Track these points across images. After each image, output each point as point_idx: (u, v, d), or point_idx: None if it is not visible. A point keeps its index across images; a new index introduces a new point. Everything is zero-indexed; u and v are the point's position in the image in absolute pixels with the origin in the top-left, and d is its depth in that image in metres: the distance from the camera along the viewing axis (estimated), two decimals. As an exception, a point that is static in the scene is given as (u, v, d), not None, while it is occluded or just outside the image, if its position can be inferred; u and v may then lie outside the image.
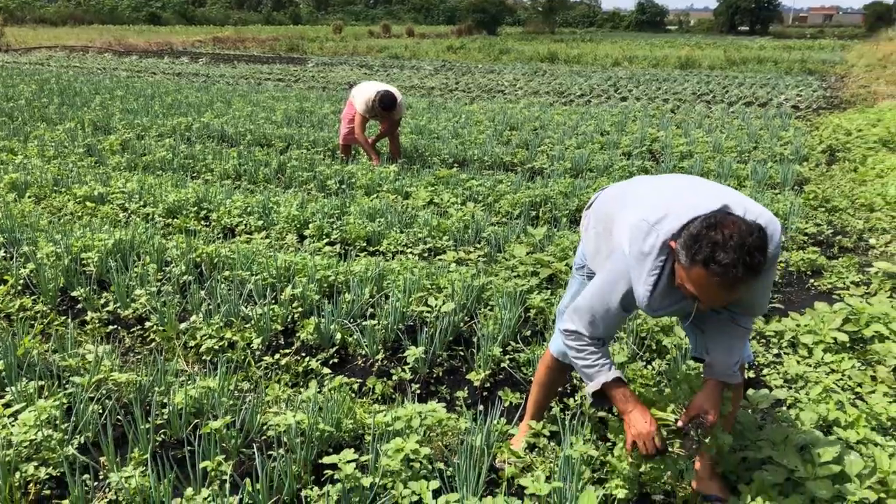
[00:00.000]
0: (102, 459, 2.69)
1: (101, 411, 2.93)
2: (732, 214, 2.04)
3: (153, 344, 3.84)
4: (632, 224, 2.20)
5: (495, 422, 2.86)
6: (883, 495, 2.34)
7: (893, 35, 30.03)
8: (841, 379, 3.27)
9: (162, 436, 2.88)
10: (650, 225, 2.15)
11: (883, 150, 8.34)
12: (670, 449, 2.38)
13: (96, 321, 3.99)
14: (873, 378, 3.36)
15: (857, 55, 27.23)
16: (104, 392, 3.08)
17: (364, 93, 7.49)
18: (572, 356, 2.44)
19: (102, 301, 4.15)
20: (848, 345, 3.61)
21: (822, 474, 2.36)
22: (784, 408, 3.03)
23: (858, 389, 3.23)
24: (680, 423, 2.35)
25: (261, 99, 12.89)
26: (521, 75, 20.14)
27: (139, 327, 3.96)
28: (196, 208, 5.81)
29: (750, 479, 2.50)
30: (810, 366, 3.42)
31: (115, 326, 3.99)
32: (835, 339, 3.57)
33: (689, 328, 2.57)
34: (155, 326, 3.89)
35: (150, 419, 2.80)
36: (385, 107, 7.34)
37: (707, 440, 2.32)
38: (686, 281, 2.05)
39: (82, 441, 2.78)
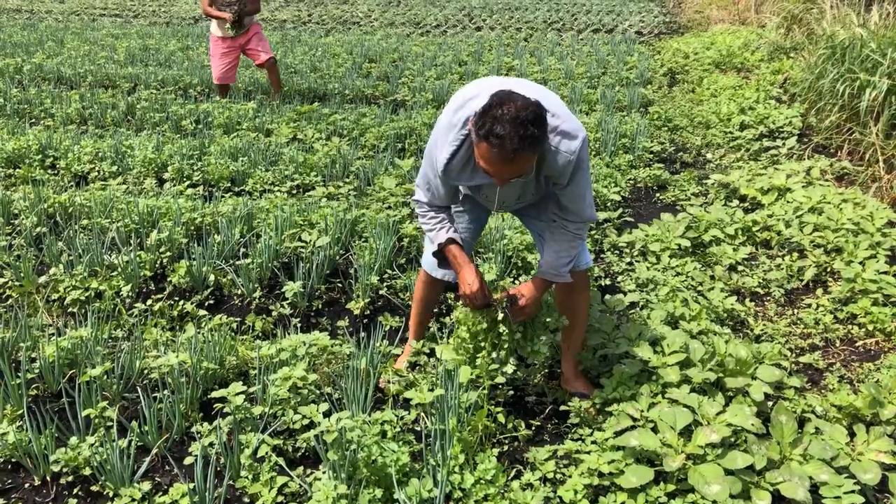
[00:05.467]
0: (-27, 420, 2.59)
1: (-37, 372, 2.79)
2: (516, 94, 2.16)
3: (10, 301, 3.64)
4: (453, 98, 2.41)
5: (377, 344, 2.98)
6: (721, 375, 2.68)
7: (724, -38, 31.72)
8: (685, 280, 3.64)
9: (35, 390, 2.80)
10: (465, 100, 2.34)
11: (716, 72, 8.97)
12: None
13: (-59, 282, 3.72)
14: (712, 277, 3.75)
15: (692, -19, 28.61)
16: (-36, 352, 2.92)
17: None
18: (419, 223, 2.68)
19: (-55, 260, 3.87)
20: (690, 249, 3.99)
21: (670, 362, 2.67)
22: (638, 309, 3.35)
23: (700, 288, 3.60)
24: (497, 296, 2.58)
25: (98, 37, 11.95)
26: (376, 6, 19.73)
27: (-8, 285, 3.73)
28: (40, 156, 5.43)
29: (610, 372, 2.77)
30: (659, 270, 3.76)
31: (-36, 286, 3.75)
32: (679, 245, 3.94)
33: (536, 240, 2.83)
34: (10, 282, 3.68)
35: (19, 375, 2.70)
36: None
37: (515, 319, 2.58)
38: (478, 156, 2.23)
39: (-52, 403, 2.65)
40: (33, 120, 6.84)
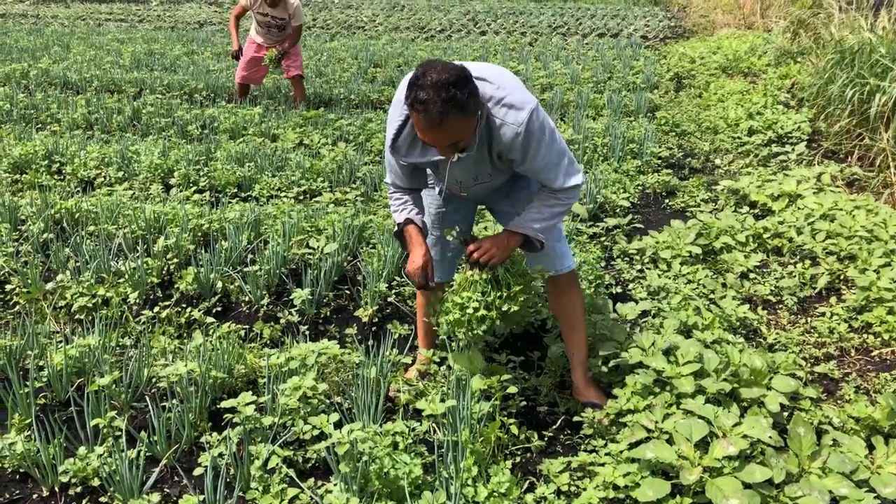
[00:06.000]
0: (-20, 429, 2.57)
1: (-30, 381, 2.77)
2: (440, 61, 2.19)
3: (17, 307, 3.62)
4: (404, 78, 2.39)
5: (387, 353, 2.95)
6: (736, 385, 2.64)
7: (728, -34, 31.72)
8: (696, 287, 3.60)
9: (43, 399, 2.78)
10: (413, 78, 2.32)
11: (723, 77, 8.94)
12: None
13: (-53, 288, 3.71)
14: (723, 285, 3.72)
15: (696, -14, 28.59)
16: (-29, 361, 2.90)
17: None
18: (390, 203, 2.70)
19: (-48, 267, 3.85)
20: (701, 256, 3.96)
21: (685, 373, 2.63)
22: (650, 317, 3.31)
23: (711, 296, 3.57)
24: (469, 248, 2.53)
25: (104, 41, 11.96)
26: (381, 10, 19.77)
27: (-1, 291, 3.72)
28: (47, 162, 5.42)
29: (623, 382, 2.74)
30: (670, 278, 3.73)
31: (-29, 292, 3.73)
32: (690, 252, 3.91)
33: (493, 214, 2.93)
34: (17, 289, 3.66)
35: (27, 383, 2.68)
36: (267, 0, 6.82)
37: (483, 271, 2.53)
38: (415, 128, 2.25)
39: (-45, 412, 2.63)
40: (39, 125, 6.84)
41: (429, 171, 2.68)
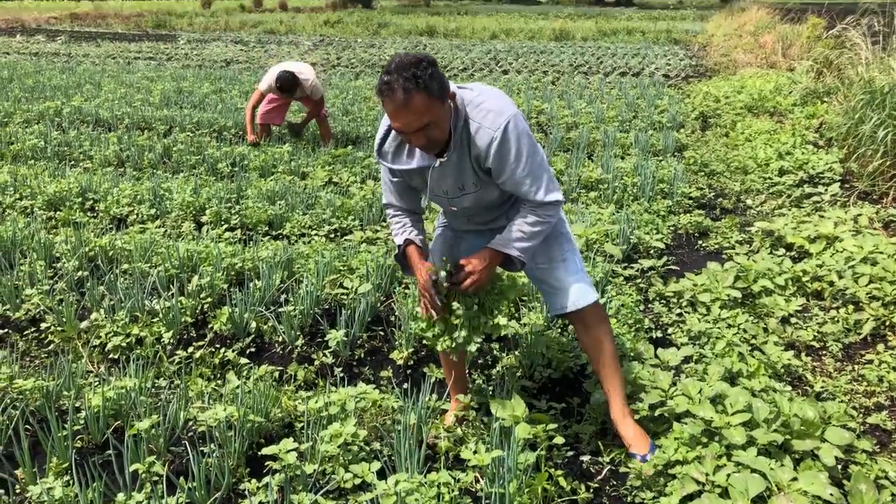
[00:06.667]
0: (18, 472, 2.54)
1: (8, 422, 2.75)
2: (405, 53, 2.27)
3: (51, 346, 3.62)
4: None
5: (426, 398, 2.90)
6: (788, 437, 2.56)
7: (744, 6, 31.97)
8: (738, 332, 3.53)
9: (80, 442, 2.75)
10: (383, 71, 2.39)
11: (749, 116, 8.92)
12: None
13: (-17, 326, 3.71)
14: (765, 329, 3.64)
15: (715, 25, 28.74)
16: (8, 402, 2.88)
17: (273, 72, 7.13)
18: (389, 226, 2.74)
19: (-12, 304, 3.86)
20: (740, 300, 3.89)
21: (735, 422, 2.56)
22: (692, 363, 3.24)
23: (753, 341, 3.49)
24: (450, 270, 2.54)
25: (133, 79, 12.19)
26: (403, 49, 20.03)
27: (34, 329, 3.72)
28: (80, 199, 5.47)
29: (669, 429, 2.66)
30: (709, 322, 3.66)
31: (6, 330, 3.73)
32: (729, 295, 3.84)
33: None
34: (52, 327, 3.66)
35: (66, 425, 2.65)
36: (282, 88, 7.02)
37: (464, 287, 2.50)
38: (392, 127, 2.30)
39: (-7, 455, 2.60)
40: (73, 162, 6.93)
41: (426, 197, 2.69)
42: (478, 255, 2.54)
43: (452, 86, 2.35)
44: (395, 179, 2.61)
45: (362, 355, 3.53)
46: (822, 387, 3.19)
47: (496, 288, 2.65)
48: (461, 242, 2.82)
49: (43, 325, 3.69)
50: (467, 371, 3.18)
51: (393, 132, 2.44)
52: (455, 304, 2.55)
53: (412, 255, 2.62)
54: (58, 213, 5.30)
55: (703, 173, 6.60)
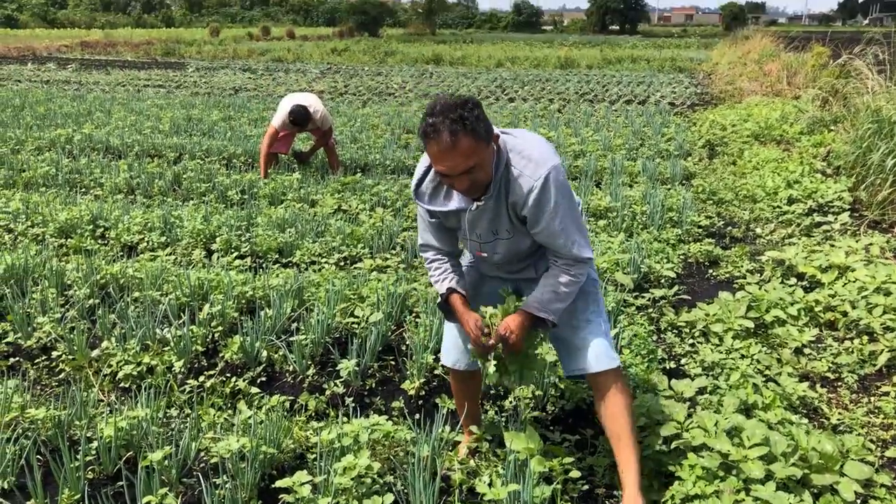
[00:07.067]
0: (30, 504, 2.53)
1: (18, 452, 2.73)
2: (446, 95, 2.29)
3: (62, 374, 3.61)
4: None
5: (439, 429, 2.88)
6: (806, 471, 2.53)
7: (748, 34, 32.22)
8: (751, 363, 3.50)
9: (91, 473, 2.73)
10: (426, 111, 2.36)
11: (756, 144, 8.95)
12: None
13: (-5, 354, 3.71)
14: (778, 360, 3.62)
15: (719, 53, 28.99)
16: (20, 431, 2.87)
17: (284, 107, 7.22)
18: (428, 273, 2.68)
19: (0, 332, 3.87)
20: (753, 330, 3.86)
21: (752, 456, 2.53)
22: (707, 394, 3.22)
23: (767, 372, 3.47)
24: (491, 342, 2.47)
25: (143, 107, 12.31)
26: (409, 77, 20.23)
27: (45, 357, 3.71)
28: (91, 226, 5.50)
29: (685, 465, 2.63)
30: (723, 353, 3.63)
31: (17, 358, 3.73)
32: (741, 325, 3.82)
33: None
34: (63, 356, 3.66)
35: (78, 456, 2.64)
36: (295, 122, 7.10)
37: (509, 363, 2.53)
38: (434, 169, 2.30)
39: (5, 486, 2.58)
40: (83, 189, 6.97)
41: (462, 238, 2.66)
42: (514, 319, 2.46)
43: (496, 129, 2.34)
44: (433, 220, 2.56)
45: (373, 385, 3.52)
46: (838, 419, 3.16)
47: (527, 348, 2.60)
48: (484, 285, 2.76)
49: (54, 354, 3.69)
50: (479, 402, 3.16)
51: (431, 173, 2.41)
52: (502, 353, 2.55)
53: (457, 305, 2.55)
54: (69, 240, 5.32)
55: (711, 202, 6.61)
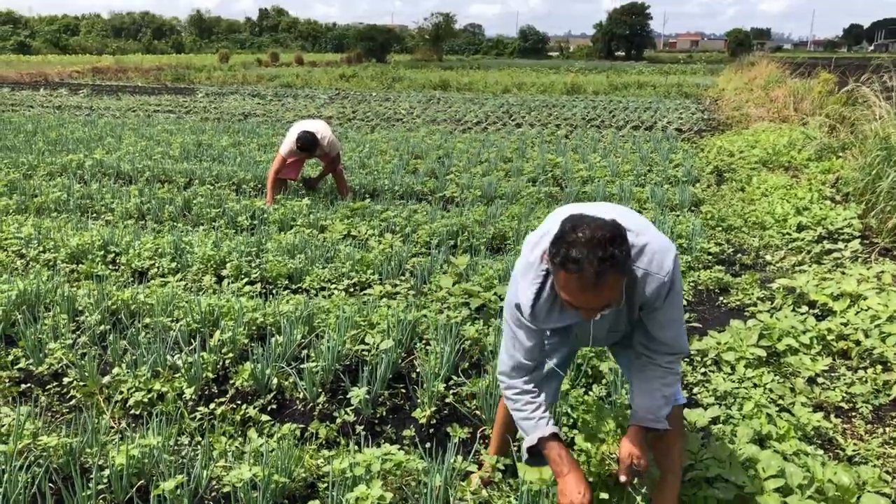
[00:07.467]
0: (40, 534, 2.51)
1: (30, 480, 2.73)
2: (589, 216, 2.03)
3: (73, 401, 3.61)
4: (528, 237, 2.31)
5: (451, 459, 2.86)
6: (822, 503, 2.50)
7: (754, 60, 32.41)
8: (765, 393, 3.48)
9: (103, 502, 2.72)
10: (539, 236, 2.25)
11: (764, 170, 8.96)
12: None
13: (6, 380, 3.71)
14: (792, 390, 3.59)
15: (725, 79, 29.17)
16: (32, 458, 2.87)
17: (292, 135, 7.27)
18: (510, 407, 2.40)
19: (11, 358, 3.87)
20: (765, 359, 3.84)
21: (768, 488, 2.51)
22: (720, 424, 3.19)
23: (781, 402, 3.44)
24: (622, 479, 2.29)
25: (154, 132, 12.42)
26: (417, 103, 20.38)
27: (56, 384, 3.72)
28: (102, 252, 5.53)
29: (699, 496, 2.61)
30: (735, 382, 3.61)
31: (29, 384, 3.73)
32: (753, 354, 3.80)
33: (625, 370, 2.58)
34: (75, 382, 3.66)
35: (90, 485, 2.63)
36: (302, 148, 7.16)
37: (644, 487, 2.35)
38: (559, 288, 2.06)
39: (16, 516, 2.58)
40: (95, 214, 7.01)
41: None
42: (633, 441, 2.29)
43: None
44: (535, 341, 2.33)
45: (384, 413, 3.50)
46: (853, 450, 3.13)
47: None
48: (546, 353, 2.55)
49: (65, 380, 3.69)
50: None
51: (547, 290, 2.20)
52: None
53: (559, 455, 2.28)
54: (80, 265, 5.35)
55: (720, 228, 6.61)
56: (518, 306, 2.26)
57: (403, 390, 3.67)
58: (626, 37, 78.18)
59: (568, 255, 1.95)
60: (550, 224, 2.23)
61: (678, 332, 2.27)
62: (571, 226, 1.99)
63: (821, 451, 2.97)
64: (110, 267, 5.43)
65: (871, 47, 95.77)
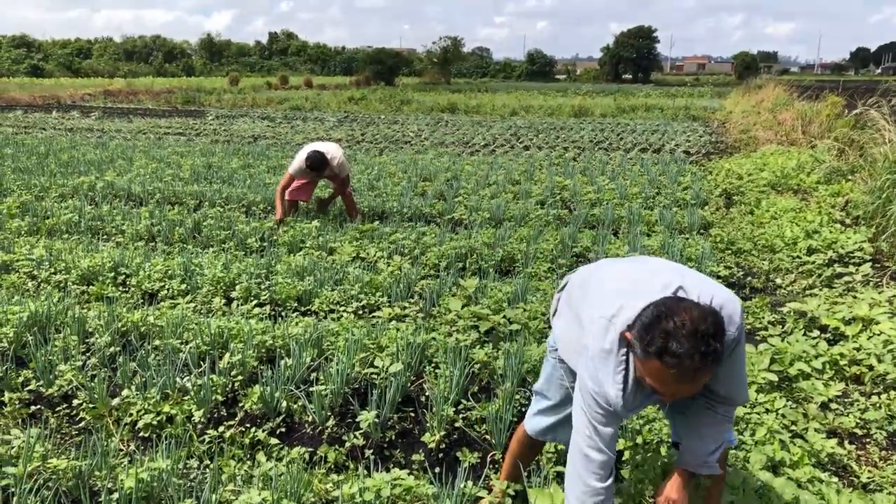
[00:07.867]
0: (49, 558, 2.50)
1: (40, 503, 2.72)
2: (685, 300, 1.95)
3: (82, 423, 3.61)
4: (593, 320, 2.13)
5: (462, 484, 2.84)
6: (838, 532, 2.47)
7: (761, 83, 32.52)
8: (777, 418, 3.45)
9: (111, 526, 2.70)
10: (608, 320, 2.08)
11: (773, 193, 8.95)
12: None
13: (17, 402, 3.72)
14: (804, 415, 3.56)
15: (733, 102, 29.26)
16: (41, 481, 2.86)
17: (301, 154, 7.34)
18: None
19: (21, 379, 3.88)
20: (777, 384, 3.81)
21: (783, 516, 2.48)
22: (733, 450, 3.16)
23: (794, 427, 3.41)
24: None
25: (164, 155, 12.52)
26: (425, 126, 20.49)
27: (65, 406, 3.72)
28: (113, 273, 5.55)
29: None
30: (746, 407, 3.58)
31: (38, 406, 3.74)
32: (765, 379, 3.77)
33: (668, 413, 2.51)
34: (84, 404, 3.66)
35: (98, 509, 2.62)
36: (311, 167, 7.22)
37: None
38: (644, 373, 1.96)
39: (24, 540, 2.57)
40: (105, 236, 7.05)
41: None
42: (675, 483, 2.26)
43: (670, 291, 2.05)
44: (616, 427, 2.17)
45: (393, 437, 3.49)
46: (868, 477, 3.09)
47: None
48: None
49: (75, 402, 3.69)
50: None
51: (631, 377, 2.06)
52: None
53: None
54: (91, 287, 5.37)
55: (730, 251, 6.59)
56: (604, 398, 2.10)
57: (412, 414, 3.65)
58: (633, 60, 78.67)
59: (667, 348, 1.85)
60: (613, 305, 2.09)
61: (740, 382, 2.20)
62: (668, 311, 1.88)
63: (835, 479, 2.94)
64: (121, 288, 5.45)
65: (879, 70, 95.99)
